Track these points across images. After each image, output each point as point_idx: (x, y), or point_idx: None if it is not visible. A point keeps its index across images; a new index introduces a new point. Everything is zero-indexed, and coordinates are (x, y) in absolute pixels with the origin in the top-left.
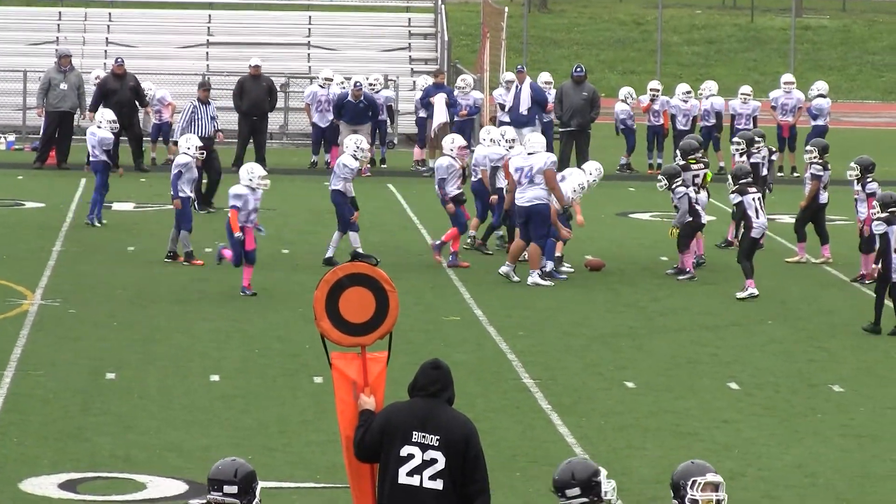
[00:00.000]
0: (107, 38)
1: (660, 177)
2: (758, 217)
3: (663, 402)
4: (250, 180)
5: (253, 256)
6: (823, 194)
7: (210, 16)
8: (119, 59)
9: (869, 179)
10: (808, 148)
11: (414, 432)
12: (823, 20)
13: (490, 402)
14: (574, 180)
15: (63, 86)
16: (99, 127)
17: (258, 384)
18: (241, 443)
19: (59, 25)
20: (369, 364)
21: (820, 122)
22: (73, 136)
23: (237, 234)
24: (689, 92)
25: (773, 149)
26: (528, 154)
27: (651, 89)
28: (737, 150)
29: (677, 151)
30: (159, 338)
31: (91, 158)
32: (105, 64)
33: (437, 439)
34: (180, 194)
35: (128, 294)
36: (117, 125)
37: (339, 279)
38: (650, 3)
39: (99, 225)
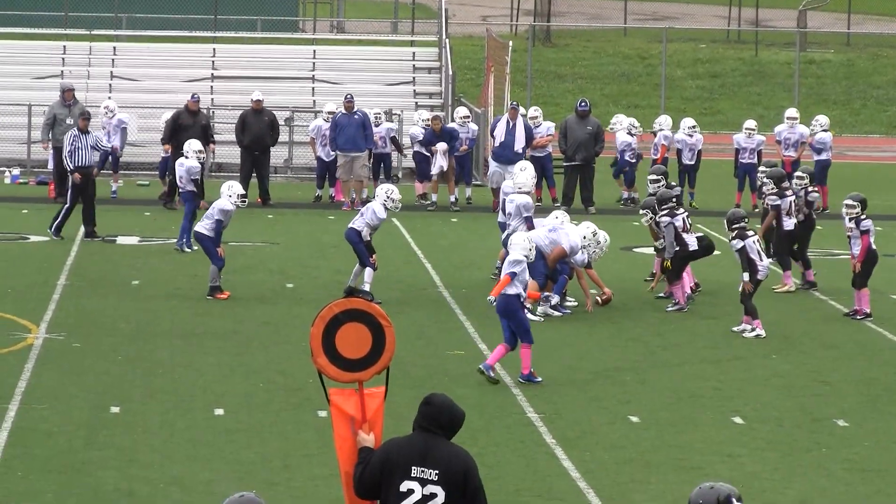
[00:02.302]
0: (111, 72)
1: (642, 210)
2: (761, 259)
3: (667, 436)
4: (527, 250)
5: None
6: (789, 221)
7: (214, 49)
8: (195, 96)
9: (863, 217)
10: (765, 180)
11: (413, 467)
12: (828, 54)
13: (493, 437)
14: (577, 232)
15: (69, 120)
16: (186, 157)
17: (261, 418)
18: (243, 477)
19: (63, 59)
20: (367, 400)
21: (823, 156)
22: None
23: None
24: (694, 126)
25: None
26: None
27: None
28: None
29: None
30: (162, 372)
31: (179, 189)
32: (109, 97)
33: (437, 473)
34: (211, 234)
35: (131, 328)
36: (203, 154)
37: (335, 315)
38: (654, 37)
39: (189, 250)
